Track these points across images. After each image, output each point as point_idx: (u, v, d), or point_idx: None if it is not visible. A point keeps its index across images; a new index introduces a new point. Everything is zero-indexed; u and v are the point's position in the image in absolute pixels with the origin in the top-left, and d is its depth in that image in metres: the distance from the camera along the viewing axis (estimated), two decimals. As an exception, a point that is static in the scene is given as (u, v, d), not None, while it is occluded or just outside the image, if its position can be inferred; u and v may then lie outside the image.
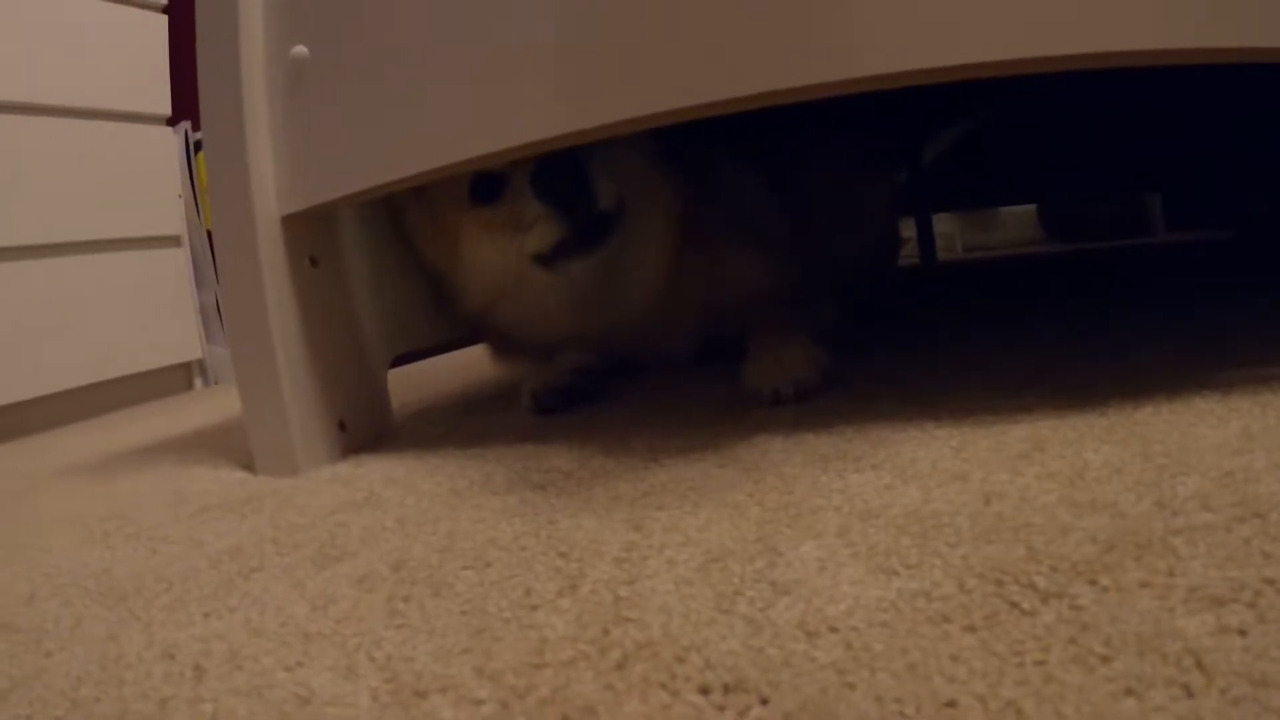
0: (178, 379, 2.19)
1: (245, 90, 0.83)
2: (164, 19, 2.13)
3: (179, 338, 2.14)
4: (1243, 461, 0.49)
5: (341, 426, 0.90)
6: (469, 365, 1.45)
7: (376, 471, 0.81)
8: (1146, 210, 2.56)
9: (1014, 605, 0.37)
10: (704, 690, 0.35)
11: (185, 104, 2.23)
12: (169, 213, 2.15)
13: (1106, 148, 1.86)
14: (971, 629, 0.36)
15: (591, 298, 0.97)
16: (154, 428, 1.51)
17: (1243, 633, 0.32)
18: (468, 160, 0.74)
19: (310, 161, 0.84)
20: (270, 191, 0.85)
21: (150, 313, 2.05)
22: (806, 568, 0.44)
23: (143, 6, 2.10)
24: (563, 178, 0.86)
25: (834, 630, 0.37)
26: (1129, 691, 0.30)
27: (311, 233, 0.88)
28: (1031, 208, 2.85)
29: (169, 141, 2.18)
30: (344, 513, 0.69)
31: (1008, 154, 2.02)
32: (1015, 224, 2.97)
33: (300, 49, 0.82)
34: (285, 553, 0.61)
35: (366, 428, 0.94)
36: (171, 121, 2.17)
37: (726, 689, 0.34)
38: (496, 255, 0.94)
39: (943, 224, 2.88)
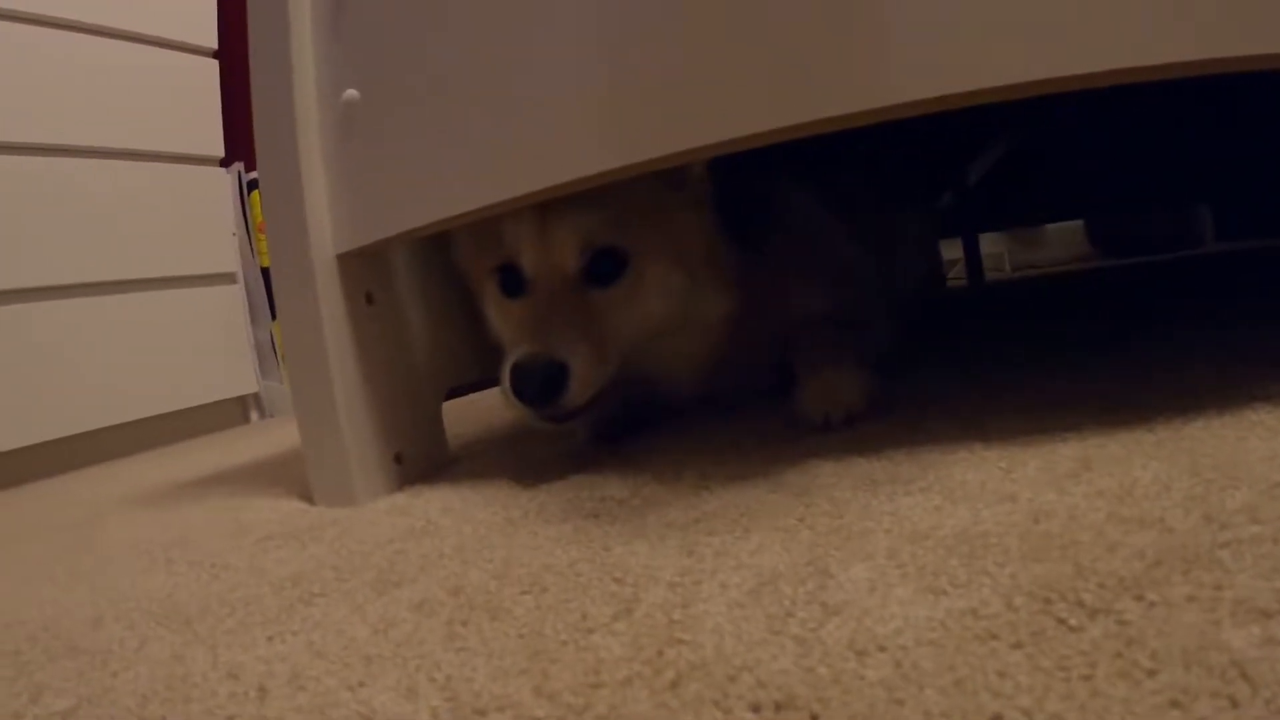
0: (233, 413, 2.24)
1: (300, 133, 0.86)
2: (215, 64, 2.19)
3: (235, 372, 2.20)
4: None
5: (398, 459, 0.92)
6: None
7: (433, 501, 0.82)
8: (1195, 222, 2.53)
9: (1061, 622, 0.37)
10: (755, 708, 0.36)
11: (237, 145, 2.29)
12: (224, 251, 2.21)
13: (1153, 160, 1.84)
14: (1018, 645, 0.36)
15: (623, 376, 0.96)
16: (212, 459, 1.54)
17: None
18: (517, 198, 0.76)
19: (364, 201, 0.86)
20: (326, 231, 0.87)
21: (207, 348, 2.11)
22: (857, 589, 0.45)
23: (194, 52, 2.16)
24: (535, 387, 0.81)
25: (883, 649, 0.38)
26: (1174, 704, 0.30)
27: (367, 270, 0.91)
28: (1079, 224, 2.82)
29: (223, 182, 2.24)
30: (402, 541, 0.70)
31: (1053, 170, 2.00)
32: (1063, 241, 2.94)
33: (351, 93, 0.85)
34: (345, 579, 0.63)
35: (422, 459, 0.96)
36: (225, 162, 2.23)
37: (778, 706, 0.35)
38: (505, 334, 0.93)
39: (990, 243, 2.86)
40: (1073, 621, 0.37)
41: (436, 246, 1.01)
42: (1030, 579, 0.42)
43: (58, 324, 1.86)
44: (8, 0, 1.84)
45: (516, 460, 0.94)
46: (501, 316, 0.93)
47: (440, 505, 0.80)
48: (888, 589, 0.44)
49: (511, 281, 0.90)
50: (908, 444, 0.70)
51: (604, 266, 0.88)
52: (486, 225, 0.88)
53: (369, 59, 0.85)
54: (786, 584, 0.47)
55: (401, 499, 0.86)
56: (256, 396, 2.30)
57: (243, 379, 2.22)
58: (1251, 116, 1.53)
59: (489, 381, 1.19)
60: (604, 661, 0.42)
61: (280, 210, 0.88)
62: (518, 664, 0.44)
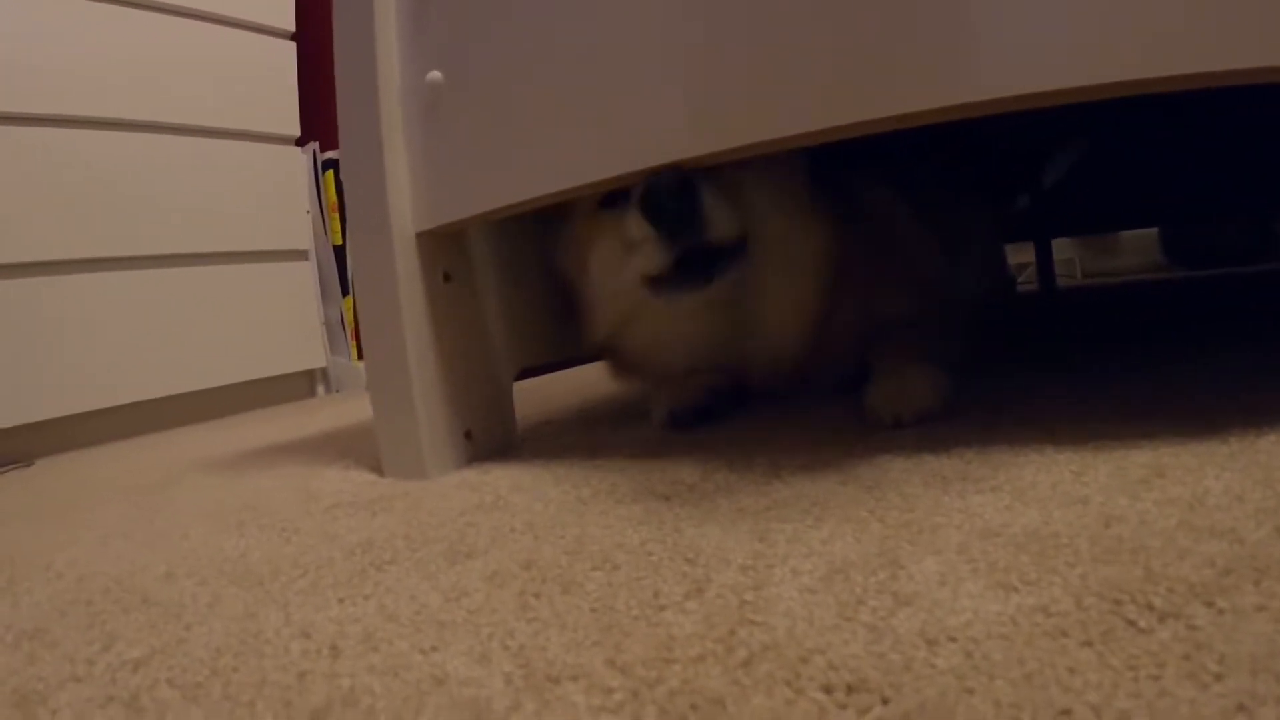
0: (301, 386, 2.28)
1: (383, 115, 0.88)
2: (292, 45, 2.23)
3: (304, 346, 2.24)
4: None
5: (468, 435, 0.94)
6: (587, 383, 1.49)
7: (503, 478, 0.83)
8: (1273, 234, 2.47)
9: (1130, 623, 0.38)
10: (827, 689, 0.36)
11: (313, 126, 2.32)
12: (298, 228, 2.24)
13: (1230, 169, 1.79)
14: (1088, 644, 0.36)
15: (718, 331, 0.96)
16: (282, 429, 1.57)
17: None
18: (597, 182, 0.77)
19: (444, 181, 0.88)
20: (406, 210, 0.89)
21: (279, 322, 2.15)
22: (928, 581, 0.45)
23: (272, 34, 2.20)
24: (672, 199, 0.77)
25: (953, 640, 0.38)
26: (1240, 708, 0.31)
27: (445, 249, 0.92)
28: (1153, 232, 2.77)
29: (298, 161, 2.28)
30: (473, 514, 0.72)
31: (1129, 177, 1.95)
32: (1136, 249, 2.89)
33: (435, 74, 0.86)
34: (417, 548, 0.64)
35: (492, 437, 0.98)
36: (300, 142, 2.26)
37: (849, 689, 0.36)
38: (616, 269, 0.92)
39: (1063, 250, 2.82)
40: (1142, 624, 0.37)
41: (514, 228, 1.02)
42: (1100, 580, 0.42)
43: (139, 292, 1.92)
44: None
45: (586, 442, 0.95)
46: (607, 237, 0.94)
47: (510, 482, 0.82)
48: (958, 583, 0.44)
49: (612, 198, 0.91)
50: (979, 444, 0.70)
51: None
52: None
53: (453, 42, 0.87)
54: (858, 573, 0.47)
55: (471, 474, 0.88)
56: (324, 371, 2.34)
57: (312, 353, 2.26)
58: None
59: (561, 364, 1.21)
60: (676, 638, 0.43)
61: (361, 189, 0.90)
62: (591, 636, 0.45)
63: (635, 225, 0.82)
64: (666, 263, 0.83)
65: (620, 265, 0.91)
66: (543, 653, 0.43)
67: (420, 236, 0.89)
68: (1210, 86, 0.56)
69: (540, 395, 1.41)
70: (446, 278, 0.92)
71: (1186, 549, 0.44)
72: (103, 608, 0.60)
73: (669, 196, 0.77)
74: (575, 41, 0.78)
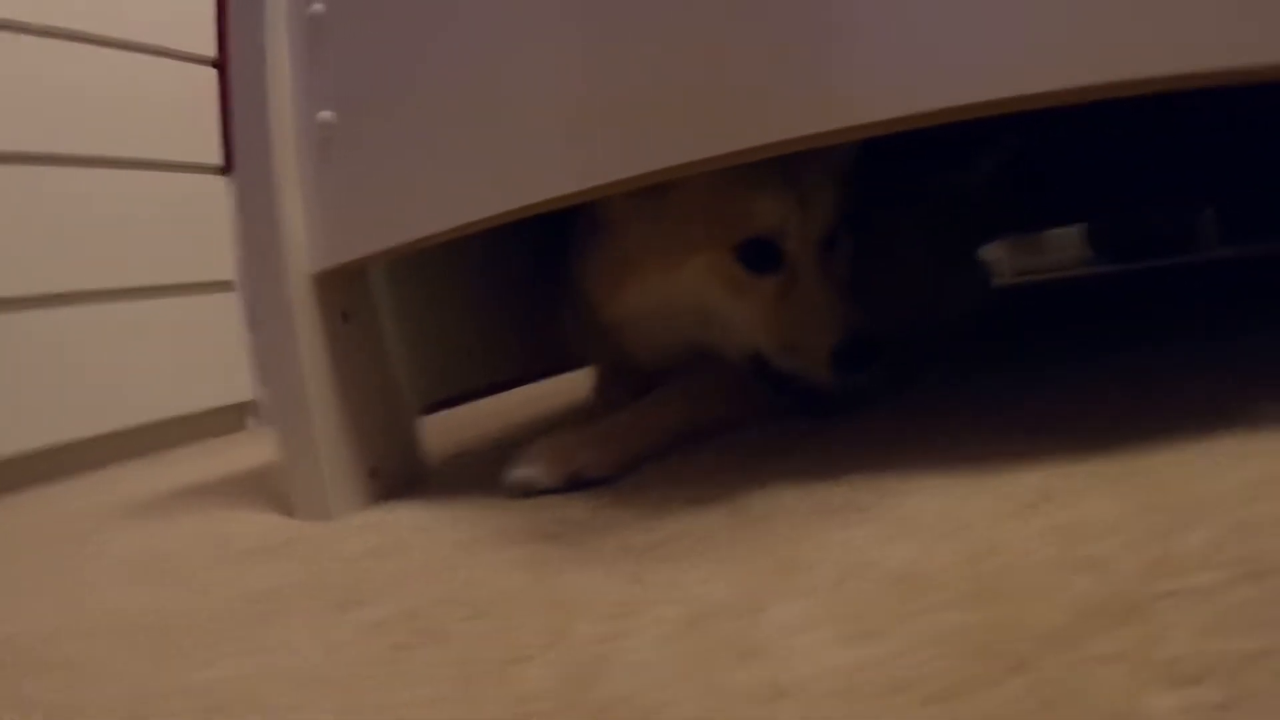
0: (231, 419, 2.25)
1: (276, 153, 0.87)
2: (214, 72, 2.22)
3: (232, 379, 2.21)
4: (1259, 510, 0.47)
5: (374, 473, 0.93)
6: (510, 409, 1.49)
7: (405, 519, 0.83)
8: (1199, 225, 2.49)
9: (979, 676, 0.37)
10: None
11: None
12: (222, 259, 2.22)
13: (1156, 162, 1.79)
14: (931, 700, 0.36)
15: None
16: (208, 467, 1.56)
17: (1224, 708, 0.31)
18: (483, 220, 0.77)
19: (339, 221, 0.88)
20: (301, 250, 0.88)
21: (205, 355, 2.13)
22: (785, 628, 0.45)
23: (193, 60, 2.19)
24: (862, 357, 0.85)
25: (793, 696, 0.38)
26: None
27: (343, 289, 0.92)
28: (1080, 228, 2.80)
29: (221, 190, 2.26)
30: (369, 559, 0.72)
31: (1051, 176, 1.94)
32: (1065, 245, 2.93)
33: (326, 114, 0.86)
34: (312, 596, 0.65)
35: (399, 474, 0.97)
36: (224, 171, 2.24)
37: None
38: (743, 311, 0.92)
39: (990, 248, 2.83)
40: (992, 675, 0.37)
41: (419, 263, 1.02)
42: (960, 624, 0.42)
43: (57, 331, 1.88)
44: (6, 10, 1.86)
45: (492, 474, 0.94)
46: (740, 292, 0.92)
47: (411, 522, 0.82)
48: (815, 629, 0.44)
49: (759, 256, 0.91)
50: (874, 467, 0.70)
51: (834, 234, 0.93)
52: (700, 208, 0.90)
53: (343, 82, 0.87)
54: (719, 619, 0.48)
55: (375, 515, 0.88)
56: (253, 403, 2.32)
57: (239, 386, 2.24)
58: (1258, 117, 1.49)
59: (468, 396, 1.21)
60: (531, 693, 0.43)
61: (256, 229, 0.90)
62: (449, 692, 0.45)
63: (819, 374, 0.87)
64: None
65: (747, 310, 0.92)
66: (402, 710, 0.44)
67: (317, 277, 0.89)
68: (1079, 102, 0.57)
69: (460, 424, 1.41)
70: (345, 317, 0.92)
71: (1055, 586, 0.44)
72: (7, 669, 0.60)
73: (861, 359, 0.85)
74: (457, 82, 0.79)
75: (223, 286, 2.21)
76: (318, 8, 0.87)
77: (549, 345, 1.20)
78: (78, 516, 1.27)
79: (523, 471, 0.83)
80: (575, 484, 0.82)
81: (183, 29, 2.17)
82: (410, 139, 0.82)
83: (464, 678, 0.46)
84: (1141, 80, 0.55)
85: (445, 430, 1.30)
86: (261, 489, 1.15)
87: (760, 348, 0.91)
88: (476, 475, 0.98)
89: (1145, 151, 1.74)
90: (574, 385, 1.21)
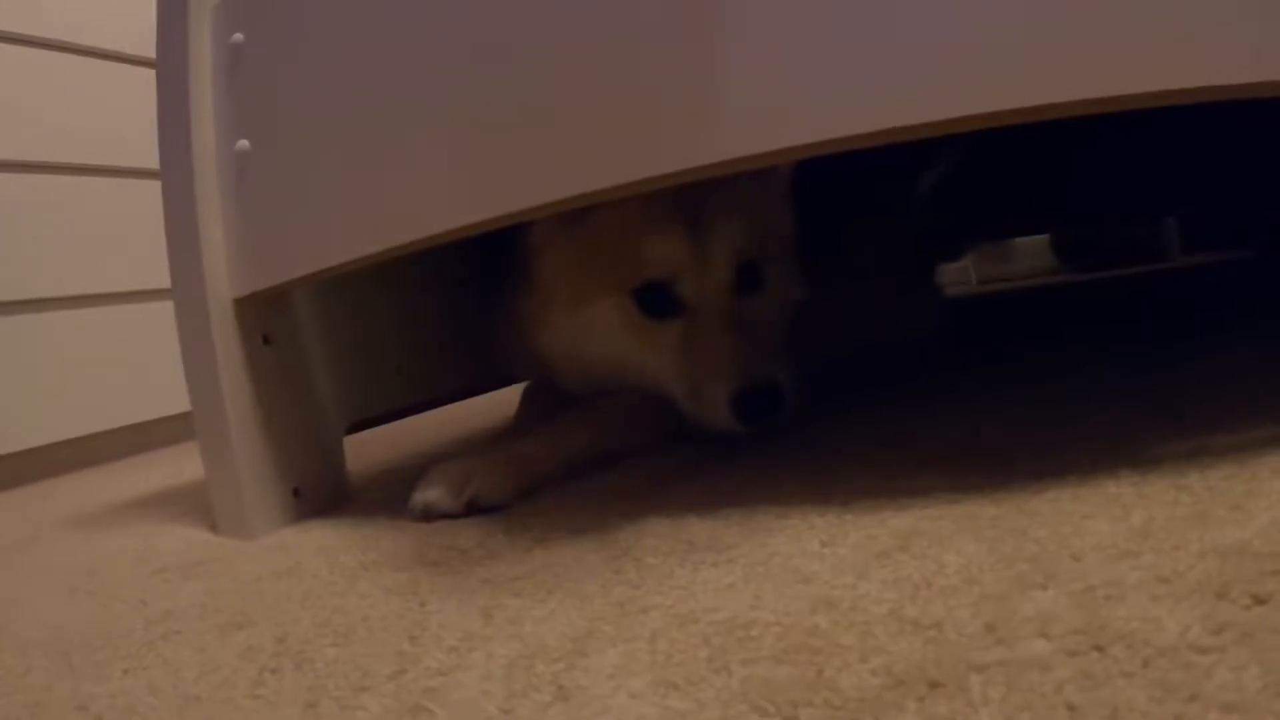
0: (178, 428, 2.25)
1: (197, 180, 0.90)
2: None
3: (179, 389, 2.21)
4: (1119, 570, 0.46)
5: (296, 493, 0.96)
6: (441, 426, 1.51)
7: (313, 540, 0.86)
8: (1162, 234, 2.52)
9: None
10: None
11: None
12: (164, 266, 2.21)
13: (1117, 170, 1.77)
14: None
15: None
16: (149, 478, 1.58)
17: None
18: (392, 249, 0.80)
19: (258, 247, 0.91)
20: (222, 276, 0.91)
21: (158, 364, 2.12)
22: (600, 674, 0.47)
23: (144, 64, 2.18)
24: (769, 406, 0.86)
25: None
26: None
27: (264, 312, 0.95)
28: (1044, 237, 2.80)
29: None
30: (266, 581, 0.74)
31: (1011, 184, 1.90)
32: (1030, 254, 2.92)
33: (243, 143, 0.89)
34: (206, 617, 0.68)
35: (321, 493, 1.00)
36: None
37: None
38: (649, 359, 0.94)
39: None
40: None
41: (342, 285, 1.04)
42: (762, 684, 0.42)
43: (9, 339, 1.90)
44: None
45: (406, 496, 0.95)
46: (643, 339, 0.93)
47: (316, 545, 0.84)
48: (626, 678, 0.46)
49: (657, 302, 0.92)
50: (758, 500, 0.71)
51: (746, 276, 0.92)
52: (605, 246, 0.91)
53: (260, 111, 0.90)
54: (543, 661, 0.49)
55: (290, 534, 0.90)
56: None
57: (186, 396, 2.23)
58: (1219, 126, 1.49)
59: (401, 413, 1.24)
60: (363, 721, 0.46)
61: (179, 254, 0.93)
62: (294, 716, 0.48)
63: (718, 417, 0.87)
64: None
65: (651, 356, 0.93)
66: (252, 733, 0.47)
67: (238, 301, 0.92)
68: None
69: (393, 440, 1.43)
70: (266, 340, 0.95)
71: (875, 648, 0.43)
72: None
73: (761, 406, 0.86)
74: (359, 118, 0.82)
75: (167, 295, 2.21)
76: (238, 37, 0.90)
77: (486, 360, 1.23)
78: (14, 528, 1.29)
79: (423, 495, 0.85)
80: (474, 509, 0.84)
81: (125, 33, 2.16)
82: (318, 170, 0.86)
83: (309, 703, 0.49)
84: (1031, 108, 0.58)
85: (375, 448, 1.34)
86: (195, 504, 1.17)
87: (668, 393, 0.92)
88: (394, 494, 0.99)
89: (1107, 162, 1.74)
90: (512, 399, 1.23)
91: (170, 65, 0.93)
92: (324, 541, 0.85)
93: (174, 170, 0.92)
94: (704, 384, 0.88)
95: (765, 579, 0.56)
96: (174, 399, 2.15)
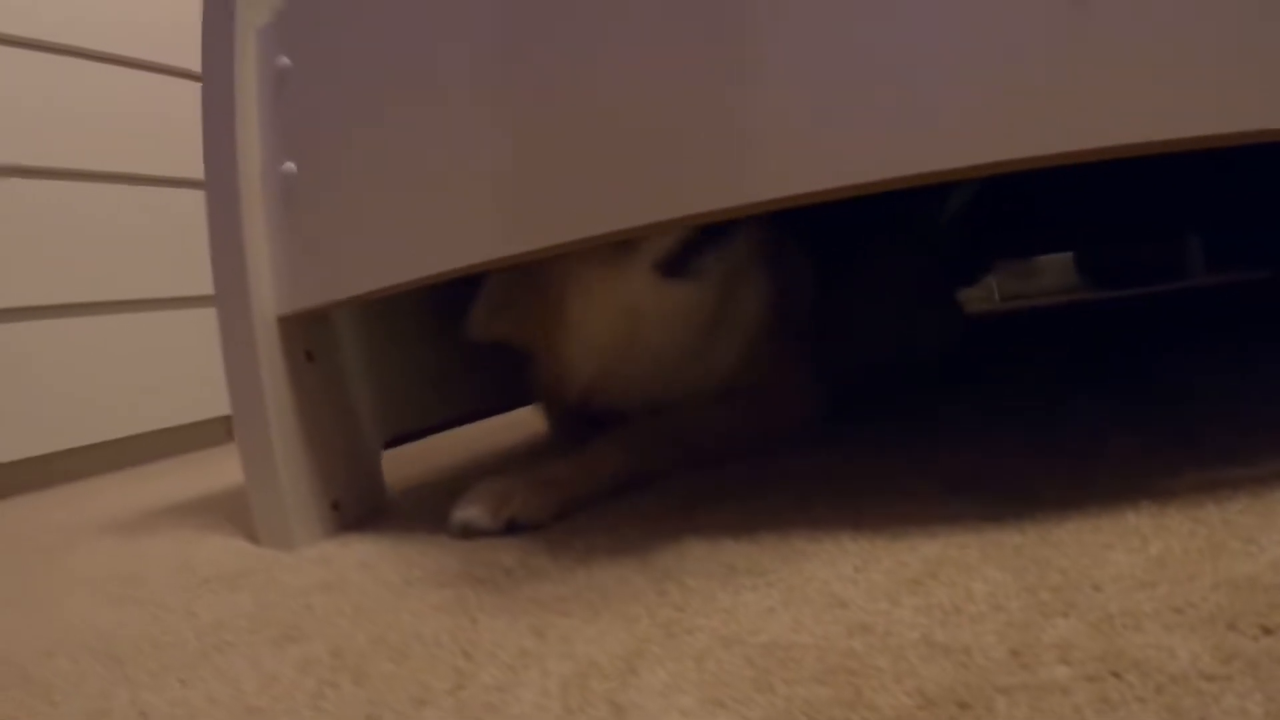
0: (216, 432, 2.28)
1: (243, 201, 0.93)
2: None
3: (217, 393, 2.24)
4: (1137, 600, 0.48)
5: (335, 506, 0.98)
6: (473, 441, 1.53)
7: (356, 554, 0.88)
8: (1186, 253, 2.53)
9: None
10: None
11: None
12: (208, 273, 2.24)
13: (1142, 191, 1.80)
14: None
15: (702, 340, 1.04)
16: (186, 482, 1.60)
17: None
18: (440, 273, 0.82)
19: (302, 268, 0.93)
20: (268, 294, 0.94)
21: (191, 368, 2.15)
22: (650, 693, 0.48)
23: (184, 76, 2.23)
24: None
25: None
26: None
27: (307, 330, 0.97)
28: (1069, 255, 2.81)
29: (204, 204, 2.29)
30: (314, 594, 0.76)
31: (1038, 202, 1.93)
32: (1053, 271, 2.94)
33: (289, 165, 0.91)
34: (257, 629, 0.69)
35: (360, 506, 1.02)
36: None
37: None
38: (612, 296, 0.98)
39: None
40: None
41: (381, 301, 1.05)
42: (804, 702, 0.44)
43: (46, 342, 1.93)
44: (7, 25, 1.92)
45: (443, 510, 0.95)
46: (592, 277, 0.98)
47: (358, 559, 0.86)
48: (677, 695, 0.47)
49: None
50: (791, 525, 0.72)
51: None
52: None
53: (306, 134, 0.92)
54: (596, 679, 0.51)
55: (331, 547, 0.92)
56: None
57: (224, 399, 2.25)
58: (1239, 151, 1.50)
59: (432, 429, 1.26)
60: (423, 739, 0.48)
61: (225, 272, 0.96)
62: (360, 731, 0.50)
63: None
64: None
65: (614, 290, 0.98)
66: (317, 745, 0.49)
67: (283, 319, 0.94)
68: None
69: (424, 456, 1.44)
70: (309, 357, 0.97)
71: (908, 671, 0.45)
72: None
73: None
74: (403, 143, 0.84)
75: (206, 301, 2.24)
76: (284, 61, 0.92)
77: (511, 380, 1.25)
78: (53, 530, 1.32)
79: (463, 514, 0.87)
80: (513, 528, 0.86)
81: (185, 46, 2.20)
82: (363, 195, 0.88)
83: (374, 716, 0.51)
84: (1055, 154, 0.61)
85: (410, 462, 1.35)
86: (233, 511, 1.19)
87: None
88: (431, 509, 1.01)
89: (1131, 184, 1.76)
90: (536, 418, 1.25)
91: (216, 86, 0.95)
92: (365, 556, 0.87)
93: (220, 189, 0.95)
94: None
95: (804, 603, 0.57)
96: (202, 405, 2.21)
